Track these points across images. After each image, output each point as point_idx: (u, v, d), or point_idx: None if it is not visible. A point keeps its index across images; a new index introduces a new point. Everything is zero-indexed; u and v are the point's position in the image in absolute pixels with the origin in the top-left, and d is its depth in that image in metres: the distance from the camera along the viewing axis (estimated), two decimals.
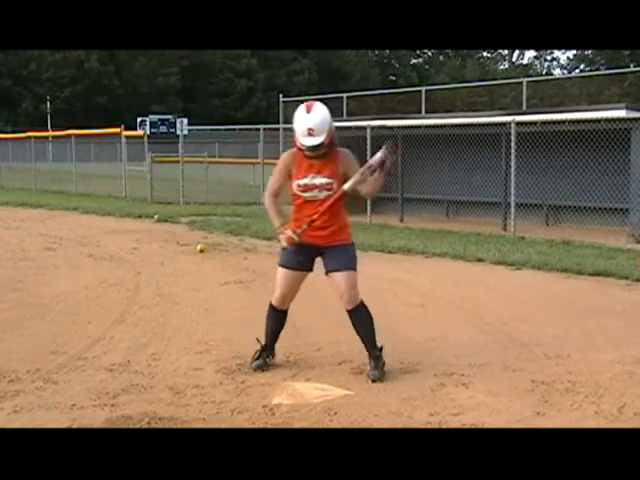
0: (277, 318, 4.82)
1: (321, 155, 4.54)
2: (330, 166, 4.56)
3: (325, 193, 4.57)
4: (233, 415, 4.01)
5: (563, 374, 4.68)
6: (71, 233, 12.08)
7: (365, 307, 4.68)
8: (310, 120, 4.43)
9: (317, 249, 4.66)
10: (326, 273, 4.71)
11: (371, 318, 4.70)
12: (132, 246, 10.50)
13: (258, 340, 4.86)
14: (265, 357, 4.82)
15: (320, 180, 4.56)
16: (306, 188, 4.58)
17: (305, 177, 4.56)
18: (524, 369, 4.79)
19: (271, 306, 4.81)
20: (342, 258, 4.62)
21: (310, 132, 4.42)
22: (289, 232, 4.56)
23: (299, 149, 4.55)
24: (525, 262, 8.85)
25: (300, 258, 4.64)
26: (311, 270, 4.74)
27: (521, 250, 9.74)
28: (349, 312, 4.67)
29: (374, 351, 4.68)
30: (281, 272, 4.72)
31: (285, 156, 4.70)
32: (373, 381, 4.55)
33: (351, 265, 4.63)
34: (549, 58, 73.04)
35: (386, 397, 4.28)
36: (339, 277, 4.61)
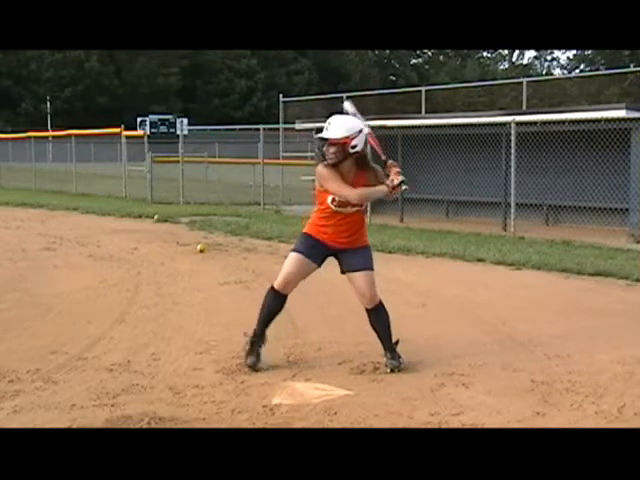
0: (275, 301, 4.82)
1: (338, 164, 4.63)
2: (360, 184, 4.67)
3: (356, 208, 4.73)
4: (233, 415, 4.01)
5: (563, 374, 4.68)
6: (71, 233, 12.07)
7: (383, 305, 4.84)
8: (335, 118, 4.67)
9: (334, 250, 4.78)
10: (343, 272, 4.83)
11: (388, 315, 4.85)
12: (132, 246, 10.49)
13: (245, 334, 4.84)
14: (257, 348, 4.79)
15: None
16: (340, 204, 4.70)
17: None
18: (524, 369, 4.79)
19: (271, 288, 4.83)
20: (361, 258, 4.78)
21: (326, 126, 4.63)
22: (394, 180, 4.56)
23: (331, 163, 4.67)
24: (525, 262, 8.85)
25: (314, 250, 4.76)
26: (319, 266, 4.82)
27: (521, 250, 9.74)
28: (369, 311, 4.82)
29: (390, 345, 4.82)
30: (291, 256, 4.79)
31: (326, 167, 4.67)
32: (392, 370, 4.72)
33: (370, 265, 4.80)
34: (549, 58, 73.12)
35: (386, 397, 4.28)
36: (359, 277, 4.75)
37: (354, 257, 4.76)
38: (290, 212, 15.32)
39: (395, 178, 4.56)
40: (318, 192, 4.80)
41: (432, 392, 4.36)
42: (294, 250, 4.81)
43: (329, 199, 4.70)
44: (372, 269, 4.79)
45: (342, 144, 4.58)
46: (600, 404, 4.15)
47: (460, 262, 9.23)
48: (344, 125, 4.62)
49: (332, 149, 4.60)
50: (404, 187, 4.56)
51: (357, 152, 4.64)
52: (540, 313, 6.45)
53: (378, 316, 4.82)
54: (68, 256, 9.65)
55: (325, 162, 4.68)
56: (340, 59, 68.98)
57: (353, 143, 4.61)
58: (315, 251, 4.76)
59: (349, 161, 4.65)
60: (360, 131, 4.65)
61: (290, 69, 68.37)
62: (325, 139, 4.61)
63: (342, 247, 4.76)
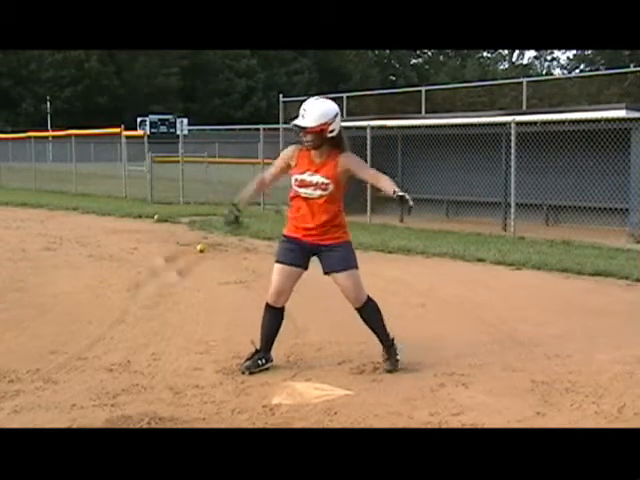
0: (271, 317, 4.78)
1: (316, 149, 4.60)
2: (329, 167, 4.61)
3: (319, 192, 4.61)
4: (233, 415, 4.01)
5: (563, 374, 4.68)
6: (71, 233, 12.08)
7: (372, 302, 4.77)
8: (310, 104, 4.56)
9: (311, 247, 4.68)
10: (325, 273, 4.74)
11: (379, 311, 4.79)
12: (132, 246, 10.49)
13: (252, 343, 4.82)
14: (257, 359, 4.76)
15: (317, 179, 4.61)
16: (302, 184, 4.64)
17: (303, 173, 4.62)
18: (524, 369, 4.79)
19: (266, 304, 4.80)
20: (339, 258, 4.65)
21: (302, 113, 4.53)
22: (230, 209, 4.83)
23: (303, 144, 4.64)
24: (525, 262, 8.85)
25: (294, 255, 4.68)
26: (306, 269, 4.75)
27: (521, 250, 9.73)
28: (357, 309, 4.77)
29: (387, 340, 4.78)
30: (275, 267, 4.74)
31: (287, 149, 4.75)
32: (388, 371, 4.69)
33: (350, 264, 4.66)
34: (549, 58, 73.12)
35: (386, 397, 4.28)
36: (342, 278, 4.66)
37: (333, 257, 4.64)
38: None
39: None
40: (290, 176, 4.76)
41: (432, 392, 4.36)
42: (276, 260, 4.76)
43: (292, 180, 4.69)
44: (354, 268, 4.67)
45: (319, 131, 4.52)
46: (600, 404, 4.14)
47: (460, 262, 9.23)
48: (321, 111, 4.53)
49: (310, 137, 4.54)
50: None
51: (334, 136, 4.58)
52: (540, 313, 6.45)
53: (367, 313, 4.76)
54: (68, 256, 9.65)
55: (295, 145, 4.66)
56: (340, 59, 68.99)
57: (331, 128, 4.54)
58: (294, 255, 4.67)
59: (325, 145, 4.58)
60: (336, 114, 4.57)
61: (290, 69, 68.36)
62: (302, 127, 4.53)
63: (315, 242, 4.63)
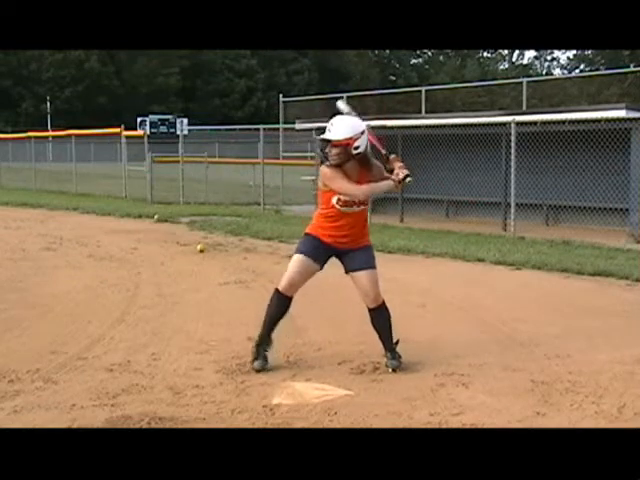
0: (280, 304, 4.81)
1: (341, 166, 4.62)
2: (365, 182, 4.67)
3: (361, 207, 4.74)
4: (233, 415, 4.01)
5: (563, 374, 4.68)
6: (71, 233, 12.07)
7: (386, 305, 4.84)
8: (337, 119, 4.66)
9: (335, 250, 4.77)
10: (347, 272, 4.83)
11: (390, 316, 4.85)
12: (132, 246, 10.49)
13: (250, 339, 4.85)
14: (263, 352, 4.79)
15: None
16: (346, 203, 4.69)
17: None
18: (524, 369, 4.79)
19: (276, 291, 4.82)
20: (364, 258, 4.78)
21: (329, 127, 4.61)
22: (399, 174, 4.60)
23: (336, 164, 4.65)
24: (525, 262, 8.85)
25: (318, 251, 4.75)
26: (322, 268, 4.81)
27: (521, 250, 9.73)
28: (371, 310, 4.82)
29: (391, 345, 4.83)
30: (296, 258, 4.77)
31: (330, 167, 4.66)
32: (393, 370, 4.72)
33: (373, 264, 4.80)
34: (549, 58, 73.19)
35: (386, 397, 4.28)
36: (363, 276, 4.75)
37: (357, 257, 4.76)
38: (290, 212, 15.32)
39: (400, 172, 4.60)
40: (322, 193, 4.77)
41: (432, 392, 4.36)
42: (297, 252, 4.79)
43: (334, 199, 4.68)
44: (375, 268, 4.80)
45: (345, 145, 4.56)
46: (600, 404, 4.15)
47: (460, 262, 9.23)
48: (347, 126, 4.60)
49: (335, 150, 4.58)
50: (409, 180, 4.61)
51: (359, 153, 4.62)
52: (540, 313, 6.45)
53: (380, 316, 4.82)
54: (68, 256, 9.65)
55: (328, 163, 4.66)
56: (340, 59, 68.99)
57: (356, 144, 4.58)
58: (318, 252, 4.74)
59: (352, 161, 4.64)
60: (363, 132, 4.64)
61: (290, 69, 68.38)
62: (328, 140, 4.59)
63: (344, 247, 4.76)
